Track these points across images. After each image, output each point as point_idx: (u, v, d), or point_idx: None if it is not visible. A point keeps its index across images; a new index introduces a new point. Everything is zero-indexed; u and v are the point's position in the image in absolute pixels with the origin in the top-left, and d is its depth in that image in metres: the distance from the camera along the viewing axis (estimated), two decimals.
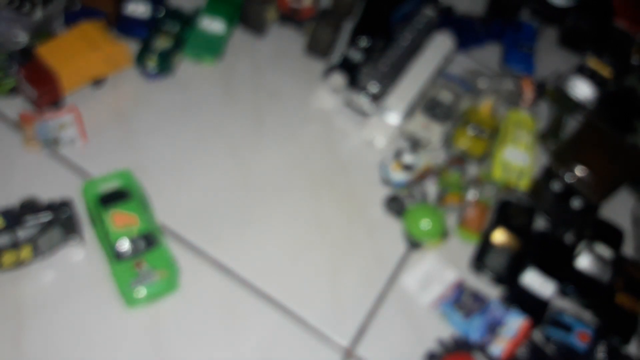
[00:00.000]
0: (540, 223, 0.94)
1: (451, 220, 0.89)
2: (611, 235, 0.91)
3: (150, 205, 0.80)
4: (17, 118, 0.86)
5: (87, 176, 0.83)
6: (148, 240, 0.74)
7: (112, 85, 0.94)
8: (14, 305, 0.72)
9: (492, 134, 0.98)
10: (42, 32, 0.93)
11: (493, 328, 0.78)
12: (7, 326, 0.70)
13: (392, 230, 0.88)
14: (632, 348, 0.83)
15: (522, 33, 1.16)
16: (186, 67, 0.99)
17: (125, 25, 0.97)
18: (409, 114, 0.97)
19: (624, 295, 0.85)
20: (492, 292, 0.84)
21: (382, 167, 0.92)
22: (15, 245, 0.70)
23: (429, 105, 0.97)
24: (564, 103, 1.08)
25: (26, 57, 0.87)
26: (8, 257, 0.70)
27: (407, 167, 0.89)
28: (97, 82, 0.92)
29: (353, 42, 1.00)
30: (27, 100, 0.87)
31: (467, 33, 1.13)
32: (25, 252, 0.71)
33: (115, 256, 0.73)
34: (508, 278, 0.84)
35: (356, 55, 0.99)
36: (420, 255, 0.85)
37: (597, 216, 0.93)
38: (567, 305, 0.85)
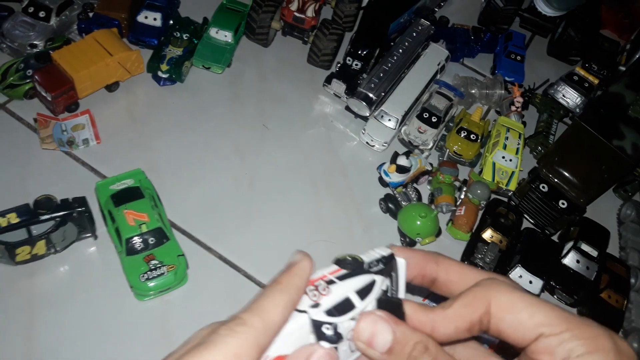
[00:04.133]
0: (529, 222, 0.97)
1: (444, 219, 0.92)
2: (597, 235, 0.93)
3: (160, 203, 0.82)
4: (33, 120, 0.89)
5: (101, 175, 0.86)
6: (158, 236, 0.76)
7: (125, 89, 0.97)
8: (27, 298, 0.73)
9: (483, 138, 1.01)
10: (57, 38, 0.96)
11: None
12: (21, 318, 0.71)
13: (389, 228, 0.90)
14: None
15: (513, 42, 1.19)
16: (196, 74, 1.02)
17: (137, 33, 1.01)
18: (405, 119, 1.00)
19: (610, 292, 0.87)
20: None
21: (379, 169, 0.95)
22: (29, 241, 0.72)
23: (424, 111, 1.00)
24: (552, 109, 1.11)
25: (41, 62, 0.90)
26: (22, 253, 0.72)
27: (403, 169, 0.91)
28: (111, 86, 0.95)
29: (352, 50, 1.03)
30: (43, 103, 0.90)
31: (460, 43, 1.17)
32: (39, 247, 0.73)
33: (127, 251, 0.75)
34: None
35: (355, 64, 1.02)
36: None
37: (583, 217, 0.96)
38: (554, 302, 0.87)
